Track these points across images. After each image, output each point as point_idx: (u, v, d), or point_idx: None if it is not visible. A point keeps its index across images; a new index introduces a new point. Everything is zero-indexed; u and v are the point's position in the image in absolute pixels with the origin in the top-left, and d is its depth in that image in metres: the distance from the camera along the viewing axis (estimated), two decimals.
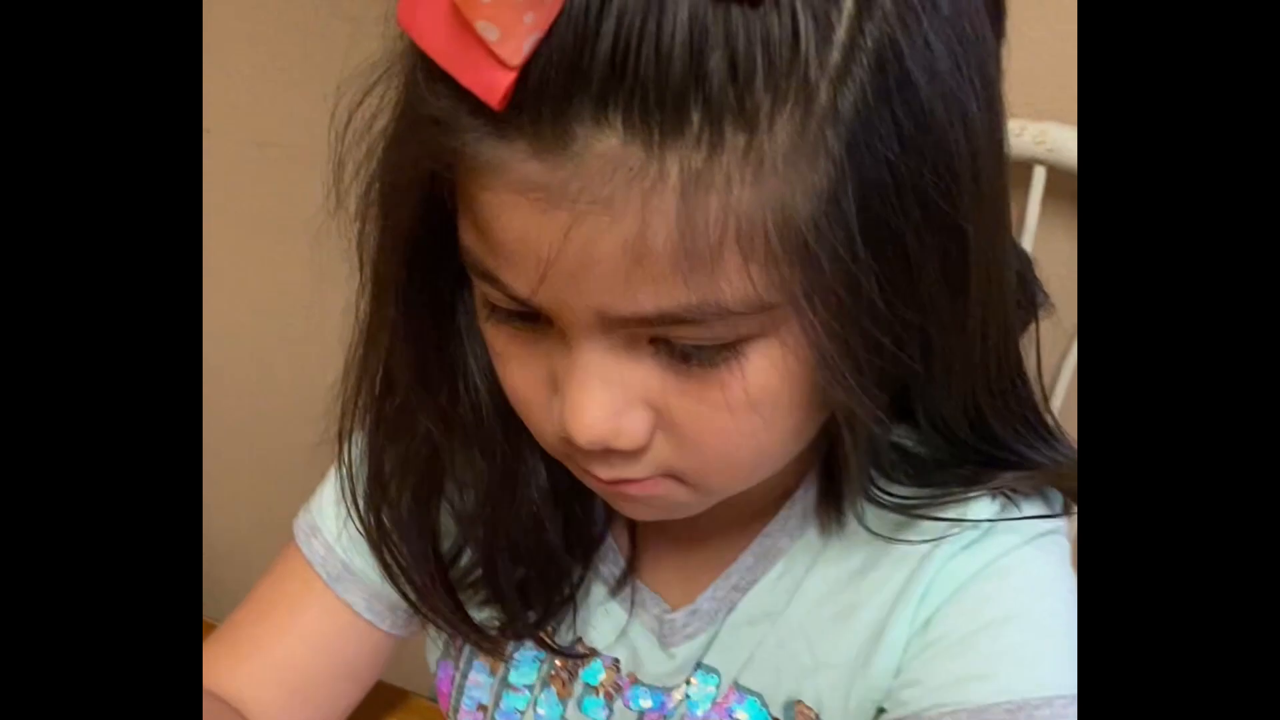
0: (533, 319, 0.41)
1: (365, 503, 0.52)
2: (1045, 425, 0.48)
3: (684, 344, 0.39)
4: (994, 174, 0.39)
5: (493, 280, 0.39)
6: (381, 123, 0.42)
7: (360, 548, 0.54)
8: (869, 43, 0.34)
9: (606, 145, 0.34)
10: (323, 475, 0.58)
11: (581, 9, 0.33)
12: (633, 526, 0.54)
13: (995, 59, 0.40)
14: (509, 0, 0.33)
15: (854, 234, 0.35)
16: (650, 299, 0.36)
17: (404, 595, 0.54)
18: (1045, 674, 0.45)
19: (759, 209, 0.35)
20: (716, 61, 0.33)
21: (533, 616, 0.53)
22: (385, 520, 0.52)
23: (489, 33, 0.34)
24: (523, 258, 0.37)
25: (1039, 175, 0.84)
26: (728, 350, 0.38)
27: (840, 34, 0.34)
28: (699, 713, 0.52)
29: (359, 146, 0.42)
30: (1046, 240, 0.87)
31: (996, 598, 0.47)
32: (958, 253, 0.39)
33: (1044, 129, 0.83)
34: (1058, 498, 0.49)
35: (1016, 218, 0.86)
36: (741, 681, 0.51)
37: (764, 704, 0.51)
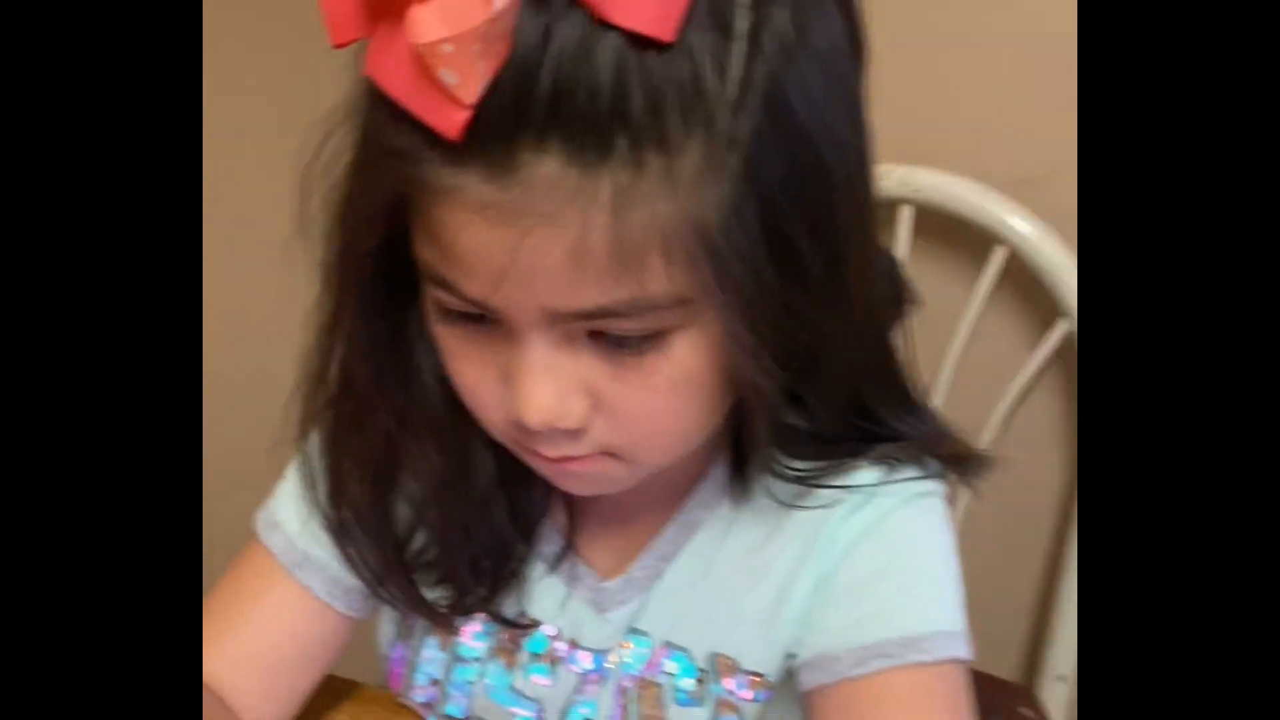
0: (482, 320, 0.47)
1: (326, 497, 0.57)
2: (915, 403, 0.56)
3: (617, 335, 0.45)
4: (863, 185, 0.47)
5: (449, 287, 0.45)
6: (343, 160, 0.47)
7: (319, 539, 0.58)
8: (758, 80, 0.41)
9: (548, 169, 0.41)
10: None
11: (523, 55, 0.39)
12: (569, 509, 0.59)
13: (859, 90, 0.47)
14: (465, 50, 0.39)
15: (755, 238, 0.43)
16: (589, 296, 0.43)
17: (364, 580, 0.58)
18: (929, 612, 0.53)
19: (677, 219, 0.42)
20: (636, 99, 0.40)
21: (483, 592, 0.58)
22: (345, 512, 0.57)
23: (449, 77, 0.40)
24: (479, 266, 0.43)
25: (905, 214, 0.92)
26: (654, 340, 0.45)
27: (734, 73, 0.41)
28: (634, 671, 0.58)
29: (323, 180, 0.48)
30: (914, 272, 0.95)
31: (883, 551, 0.55)
32: (836, 251, 0.46)
33: (909, 172, 0.91)
34: (934, 464, 0.57)
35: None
36: (670, 640, 0.57)
37: (691, 658, 0.57)
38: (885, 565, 0.54)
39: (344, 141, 0.47)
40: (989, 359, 0.97)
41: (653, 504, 0.58)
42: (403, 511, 0.58)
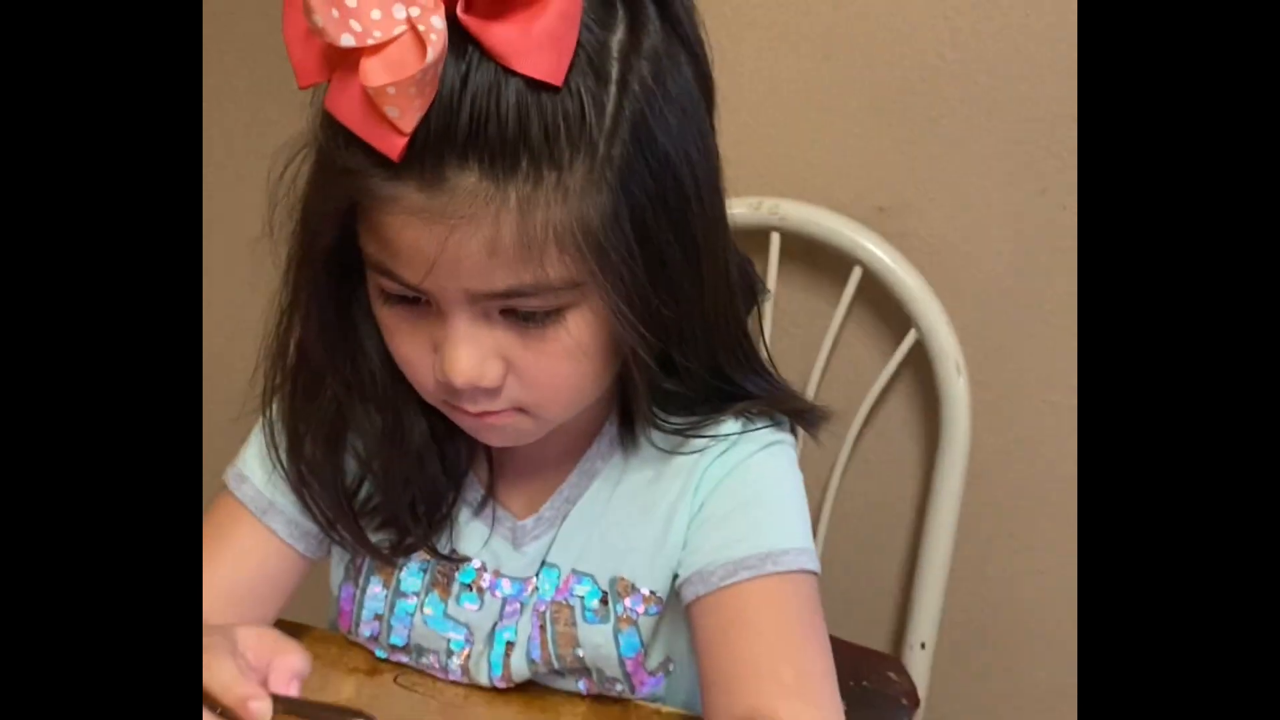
0: (415, 301, 0.56)
1: (286, 453, 0.66)
2: (763, 369, 0.67)
3: (524, 311, 0.55)
4: (712, 195, 0.58)
5: (390, 274, 0.55)
6: (302, 176, 0.57)
7: (282, 489, 0.67)
8: (627, 113, 0.52)
9: (468, 181, 0.51)
10: None
11: (448, 94, 0.49)
12: (490, 463, 0.69)
13: (707, 122, 0.58)
14: (404, 92, 0.49)
15: (628, 236, 0.53)
16: (501, 280, 0.53)
17: (318, 523, 0.67)
18: (784, 532, 0.63)
19: (568, 220, 0.52)
20: (535, 128, 0.50)
21: (420, 532, 0.67)
22: (302, 466, 0.65)
23: (392, 112, 0.49)
24: (415, 257, 0.53)
25: (775, 240, 1.01)
26: (553, 316, 0.56)
27: (609, 108, 0.52)
28: (548, 596, 0.68)
29: (289, 194, 0.58)
30: (784, 290, 1.05)
31: (745, 486, 0.65)
32: (693, 249, 0.56)
33: (777, 203, 1.00)
34: (782, 418, 0.68)
35: (759, 274, 1.04)
36: (577, 568, 0.67)
37: (595, 581, 0.67)
38: (747, 498, 0.64)
39: (303, 163, 0.57)
40: (850, 365, 1.05)
41: (558, 457, 0.68)
42: (351, 465, 0.67)
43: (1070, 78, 0.92)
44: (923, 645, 1.04)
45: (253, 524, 0.68)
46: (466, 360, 0.56)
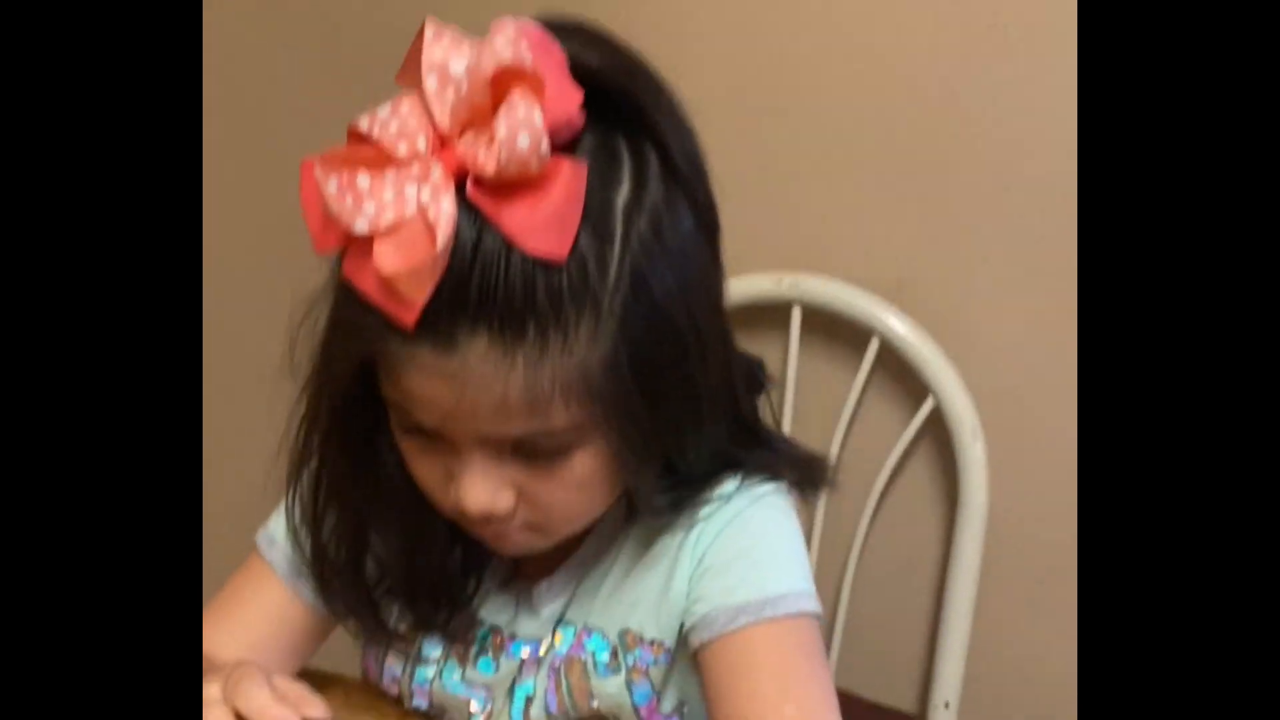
0: (433, 435, 0.60)
1: (310, 555, 0.70)
2: (769, 443, 0.70)
3: (532, 447, 0.59)
4: (713, 331, 0.61)
5: (410, 416, 0.59)
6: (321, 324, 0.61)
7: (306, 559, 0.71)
8: (627, 270, 0.55)
9: (479, 346, 0.54)
10: None
11: (458, 265, 0.52)
12: None
13: (710, 265, 0.62)
14: (416, 274, 0.52)
15: (628, 380, 0.57)
16: (510, 428, 0.57)
17: (339, 618, 0.71)
18: (782, 577, 0.66)
19: (572, 373, 0.55)
20: (541, 295, 0.53)
21: (441, 617, 0.71)
22: (326, 568, 0.69)
23: (405, 290, 0.52)
24: (431, 409, 0.58)
25: (796, 314, 1.05)
26: (561, 453, 0.59)
27: (611, 266, 0.55)
28: (562, 653, 0.71)
29: (310, 339, 0.62)
30: (804, 360, 1.09)
31: (743, 535, 0.68)
32: (691, 383, 0.60)
33: (797, 278, 1.04)
34: (781, 476, 0.70)
35: (780, 347, 1.08)
36: (589, 624, 0.70)
37: (604, 636, 0.70)
38: (745, 546, 0.67)
39: (322, 312, 0.61)
40: (870, 433, 1.08)
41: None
42: (372, 562, 0.70)
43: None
44: (947, 705, 1.05)
45: (281, 587, 0.72)
46: (480, 492, 0.60)
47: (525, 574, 0.72)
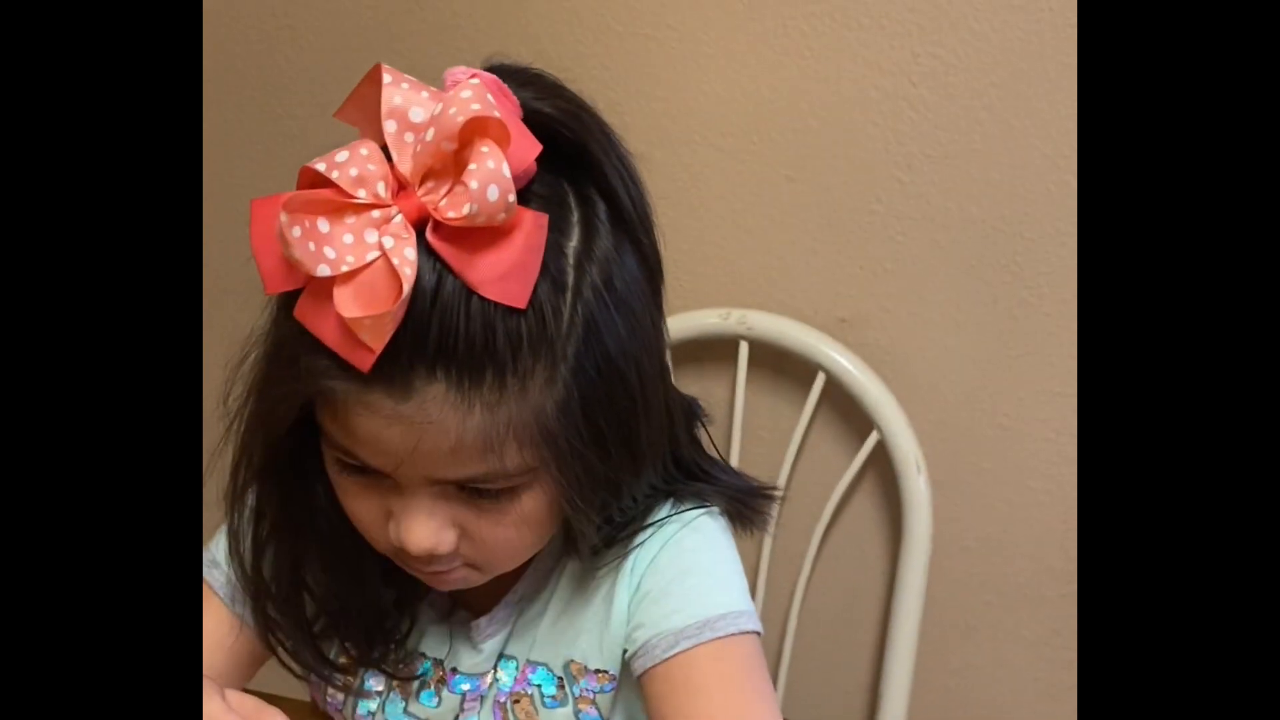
0: (374, 473, 0.59)
1: (250, 597, 0.69)
2: (711, 478, 0.71)
3: (480, 488, 0.59)
4: (653, 379, 0.62)
5: (352, 456, 0.58)
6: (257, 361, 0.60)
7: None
8: (580, 319, 0.56)
9: (436, 391, 0.54)
10: None
11: (417, 315, 0.52)
12: None
13: (655, 311, 0.63)
14: (379, 320, 0.52)
15: (579, 425, 0.57)
16: (462, 470, 0.57)
17: (281, 660, 0.70)
18: (719, 598, 0.66)
19: (526, 417, 0.56)
20: (500, 342, 0.54)
21: (375, 655, 0.71)
22: (268, 605, 0.69)
23: (365, 335, 0.52)
24: (382, 453, 0.57)
25: (743, 349, 1.06)
26: (508, 493, 0.60)
27: (565, 314, 0.56)
28: (507, 688, 0.71)
29: (245, 380, 0.61)
30: (751, 395, 1.10)
31: (678, 559, 0.68)
32: (636, 426, 0.61)
33: (745, 313, 1.06)
34: (712, 501, 0.71)
35: (728, 382, 1.09)
36: (531, 658, 0.71)
37: (549, 669, 0.71)
38: (681, 570, 0.68)
39: (258, 350, 0.60)
40: (816, 466, 1.10)
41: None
42: (309, 600, 0.70)
43: (1014, 198, 1.00)
44: None
45: (222, 610, 0.71)
46: (422, 532, 0.59)
47: (465, 606, 0.73)
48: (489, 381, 0.54)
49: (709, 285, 1.10)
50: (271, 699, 0.78)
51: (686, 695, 0.64)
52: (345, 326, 0.52)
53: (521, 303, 0.54)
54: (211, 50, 1.19)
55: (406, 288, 0.51)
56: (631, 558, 0.69)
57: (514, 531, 0.62)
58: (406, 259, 0.51)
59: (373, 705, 0.74)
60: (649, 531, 0.69)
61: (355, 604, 0.69)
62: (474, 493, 0.59)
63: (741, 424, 1.09)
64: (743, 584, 0.69)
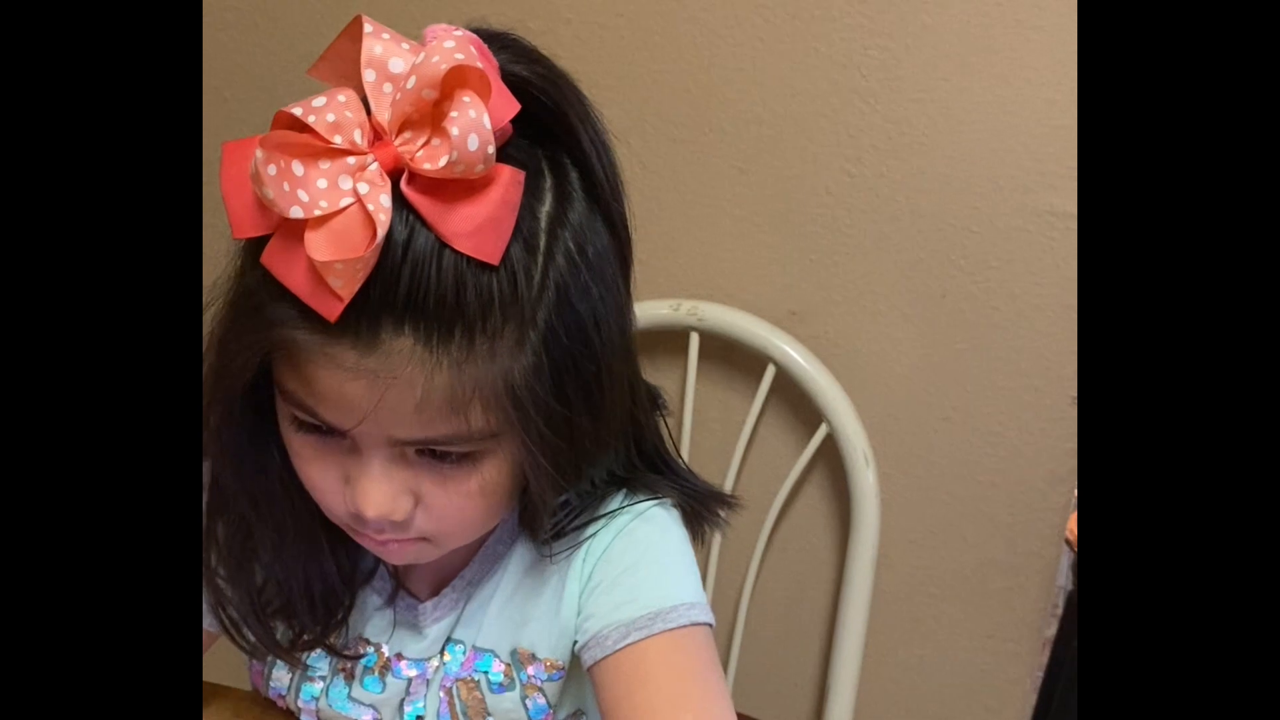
0: (330, 432, 0.58)
1: (203, 567, 0.67)
2: (670, 468, 0.71)
3: (441, 452, 0.57)
4: (624, 350, 0.62)
5: (311, 413, 0.56)
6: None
7: None
8: (551, 283, 0.55)
9: (403, 345, 0.53)
10: None
11: (388, 267, 0.51)
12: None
13: (622, 280, 0.62)
14: (350, 265, 0.50)
15: (546, 391, 0.56)
16: (425, 430, 0.56)
17: (228, 633, 0.69)
18: (670, 590, 0.66)
19: (494, 379, 0.55)
20: (471, 298, 0.52)
21: (317, 630, 0.69)
22: (218, 579, 0.67)
23: (335, 283, 0.51)
24: (340, 406, 0.55)
25: (694, 340, 1.07)
26: (469, 458, 0.58)
27: (536, 278, 0.55)
28: (453, 673, 0.70)
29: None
30: (702, 386, 1.10)
31: (630, 551, 0.68)
32: (600, 399, 0.60)
33: (696, 305, 1.06)
34: (666, 495, 0.71)
35: (679, 373, 1.09)
36: (478, 645, 0.70)
37: (496, 656, 0.70)
38: (632, 561, 0.67)
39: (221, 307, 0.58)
40: (766, 458, 1.11)
41: (461, 547, 0.70)
42: (259, 571, 0.69)
43: (962, 191, 1.00)
44: None
45: None
46: (379, 496, 0.58)
47: (410, 592, 0.71)
48: (457, 339, 0.53)
49: (660, 276, 1.10)
50: (213, 689, 0.78)
51: (635, 687, 0.63)
52: (315, 273, 0.51)
53: (495, 258, 0.52)
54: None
55: (380, 233, 0.50)
56: (583, 549, 0.68)
57: (471, 502, 0.60)
58: (381, 205, 0.50)
59: (316, 690, 0.72)
60: (601, 523, 0.68)
61: (302, 576, 0.67)
62: (434, 457, 0.58)
63: (692, 415, 1.09)
64: (695, 576, 0.68)
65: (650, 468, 0.70)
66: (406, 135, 0.52)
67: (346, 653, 0.71)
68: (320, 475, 0.60)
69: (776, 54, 1.02)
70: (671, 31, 1.04)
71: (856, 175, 1.03)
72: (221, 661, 0.76)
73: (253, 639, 0.69)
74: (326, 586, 0.69)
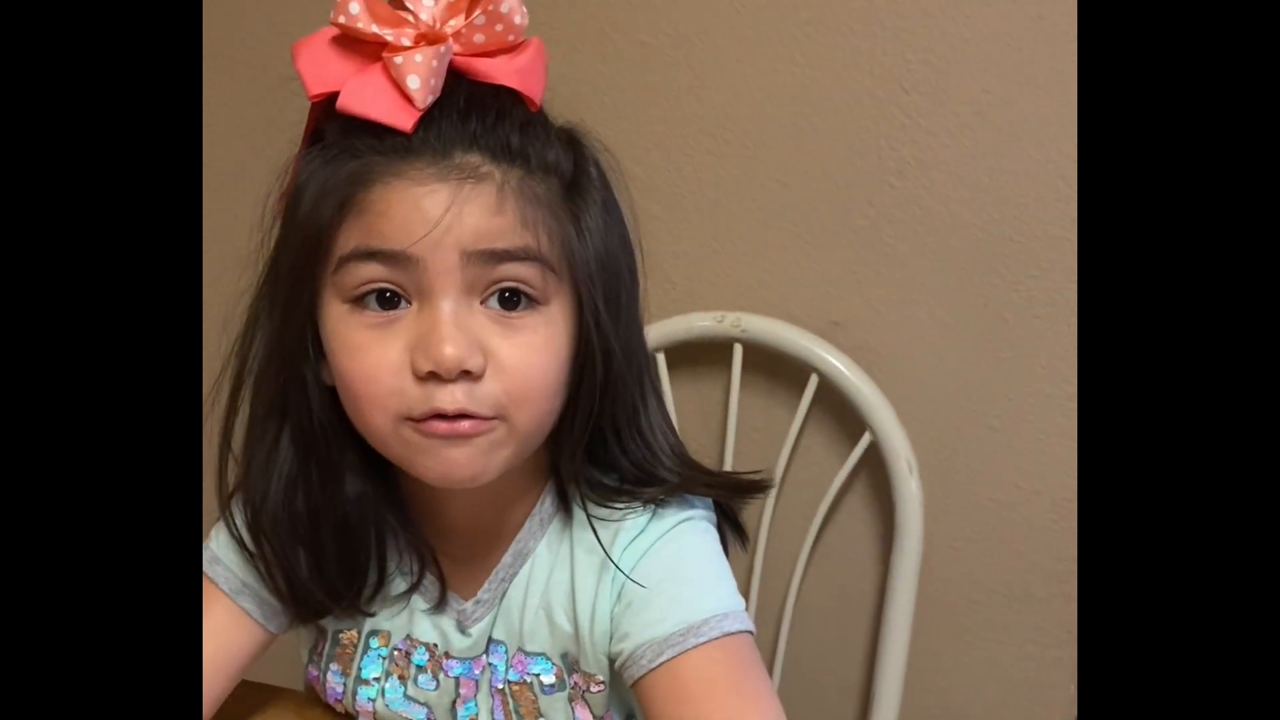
0: (392, 304, 0.60)
1: (249, 534, 0.69)
2: (687, 464, 0.71)
3: (509, 290, 0.60)
4: (635, 301, 0.67)
5: (380, 254, 0.59)
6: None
7: (250, 573, 0.71)
8: (599, 199, 0.64)
9: (475, 159, 0.59)
10: None
11: (453, 102, 0.59)
12: (431, 553, 0.71)
13: (634, 280, 0.67)
14: (428, 63, 0.58)
15: (592, 265, 0.63)
16: (498, 240, 0.59)
17: (280, 598, 0.70)
18: (701, 604, 0.65)
19: (554, 224, 0.61)
20: (535, 144, 0.61)
21: (348, 600, 0.71)
22: (264, 544, 0.68)
23: (413, 82, 0.58)
24: (414, 223, 0.58)
25: (738, 351, 1.08)
26: (531, 306, 0.61)
27: (589, 178, 0.64)
28: (503, 674, 0.71)
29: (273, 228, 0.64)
30: (747, 397, 1.12)
31: (659, 566, 0.68)
32: (631, 315, 0.66)
33: (739, 316, 1.07)
34: (697, 501, 0.71)
35: (723, 384, 1.11)
36: (526, 648, 0.71)
37: (548, 658, 0.71)
38: (663, 576, 0.67)
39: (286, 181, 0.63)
40: (810, 467, 1.12)
41: (494, 539, 0.71)
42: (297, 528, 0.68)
43: (1004, 202, 1.01)
44: None
45: (227, 603, 0.72)
46: (453, 343, 0.58)
47: (452, 585, 0.72)
48: (519, 163, 0.60)
49: (704, 288, 1.11)
50: (269, 690, 0.80)
51: (677, 703, 0.63)
52: (391, 85, 0.58)
53: (537, 96, 0.62)
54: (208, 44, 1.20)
55: (446, 53, 0.58)
56: (612, 567, 0.68)
57: (538, 356, 0.61)
58: (440, 53, 0.59)
59: (372, 692, 0.74)
60: (629, 534, 0.68)
61: (334, 521, 0.67)
62: (502, 306, 0.61)
63: (736, 425, 1.10)
64: (729, 584, 0.68)
65: (685, 464, 0.70)
66: (451, 24, 0.60)
67: (401, 646, 0.73)
68: (381, 356, 0.60)
69: (818, 68, 1.03)
70: (715, 48, 1.06)
71: (898, 186, 1.04)
72: (277, 663, 0.78)
73: (305, 612, 0.71)
74: (360, 545, 0.69)
